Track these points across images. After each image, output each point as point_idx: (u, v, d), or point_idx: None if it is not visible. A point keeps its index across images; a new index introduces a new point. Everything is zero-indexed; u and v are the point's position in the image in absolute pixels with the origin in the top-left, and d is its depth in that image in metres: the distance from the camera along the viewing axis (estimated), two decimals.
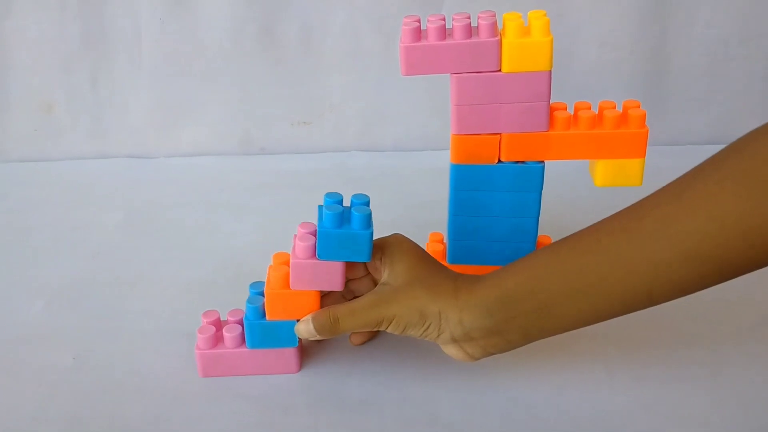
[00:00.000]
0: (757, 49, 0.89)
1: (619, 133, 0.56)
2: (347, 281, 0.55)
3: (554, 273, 0.49)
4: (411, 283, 0.52)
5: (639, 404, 0.54)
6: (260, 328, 0.56)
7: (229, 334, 0.56)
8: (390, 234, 0.56)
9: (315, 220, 0.51)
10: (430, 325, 0.51)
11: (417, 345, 0.60)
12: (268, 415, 0.54)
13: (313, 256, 0.52)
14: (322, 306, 0.55)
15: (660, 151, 0.76)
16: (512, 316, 0.50)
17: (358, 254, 0.52)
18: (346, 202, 0.53)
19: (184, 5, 0.88)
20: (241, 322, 0.57)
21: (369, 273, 0.56)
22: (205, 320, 0.58)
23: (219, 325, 0.58)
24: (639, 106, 0.57)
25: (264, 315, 0.55)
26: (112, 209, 0.83)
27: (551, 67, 0.55)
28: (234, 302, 0.66)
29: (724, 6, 0.87)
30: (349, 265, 0.54)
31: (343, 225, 0.51)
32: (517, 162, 0.58)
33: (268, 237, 0.77)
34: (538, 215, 0.60)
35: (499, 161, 0.58)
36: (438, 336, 0.52)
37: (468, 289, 0.51)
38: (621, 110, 0.57)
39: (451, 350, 0.53)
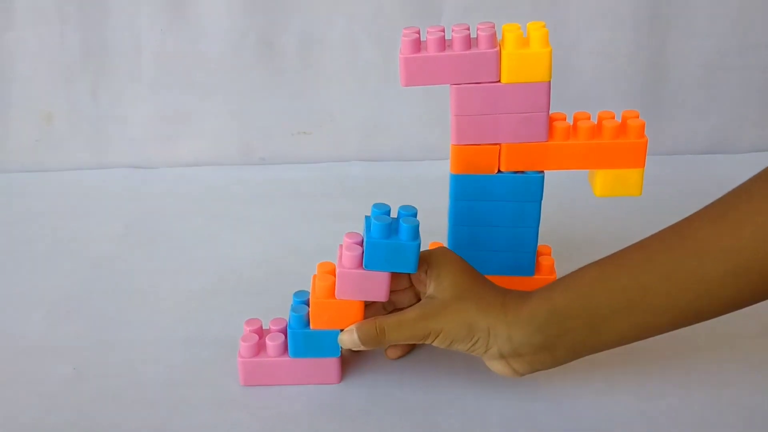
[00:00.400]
0: (754, 59, 0.90)
1: (619, 143, 0.56)
2: (391, 292, 0.55)
3: (602, 290, 0.49)
4: (459, 297, 0.52)
5: (638, 413, 0.54)
6: (304, 337, 0.55)
7: (272, 342, 0.56)
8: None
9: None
10: (478, 340, 0.51)
11: (417, 353, 0.60)
12: (269, 425, 0.54)
13: (360, 266, 0.52)
14: (364, 317, 0.55)
15: (659, 161, 0.76)
16: (562, 332, 0.50)
17: (405, 265, 0.52)
18: (393, 213, 0.53)
19: (184, 17, 0.89)
20: (283, 331, 0.57)
21: (412, 285, 0.56)
22: (247, 328, 0.57)
23: (261, 333, 0.58)
24: (638, 116, 0.57)
25: (308, 324, 0.55)
26: (112, 219, 0.83)
27: (550, 77, 0.55)
28: (234, 312, 0.66)
29: (721, 16, 0.88)
30: (393, 276, 0.53)
31: (391, 236, 0.51)
32: (516, 172, 0.59)
33: (268, 247, 0.77)
34: (538, 225, 0.60)
35: (499, 171, 0.59)
36: (485, 351, 0.52)
37: (517, 305, 0.51)
38: (620, 120, 0.57)
39: (496, 366, 0.53)
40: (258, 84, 0.92)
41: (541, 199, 0.59)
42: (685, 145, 0.93)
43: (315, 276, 0.56)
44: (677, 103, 0.92)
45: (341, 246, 0.54)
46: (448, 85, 0.56)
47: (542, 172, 0.59)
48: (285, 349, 0.57)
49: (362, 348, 0.54)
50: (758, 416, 0.53)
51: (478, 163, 0.58)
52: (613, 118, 0.57)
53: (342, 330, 0.55)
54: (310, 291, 0.56)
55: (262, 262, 0.74)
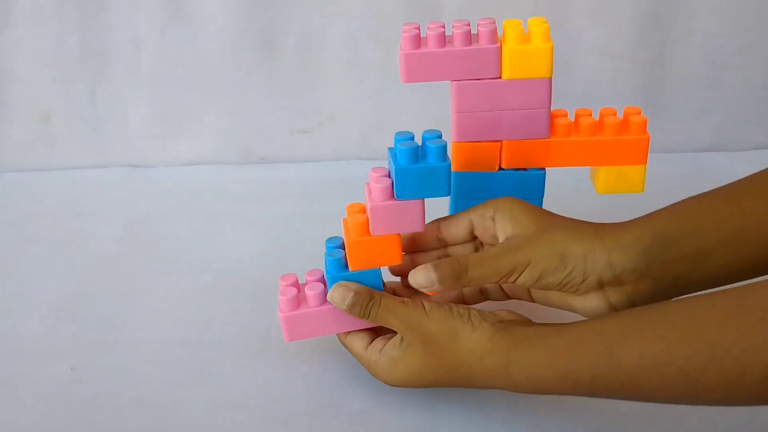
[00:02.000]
0: (755, 58, 0.89)
1: (621, 139, 0.56)
2: (448, 246, 0.54)
3: (710, 219, 0.47)
4: (547, 228, 0.49)
5: (642, 411, 0.53)
6: (343, 281, 0.54)
7: (312, 292, 0.54)
8: None
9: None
10: (573, 269, 0.48)
11: None
12: (268, 427, 0.54)
13: (392, 197, 0.51)
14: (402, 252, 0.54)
15: (660, 159, 0.75)
16: (668, 260, 0.48)
17: (437, 189, 0.50)
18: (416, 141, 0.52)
19: (183, 16, 0.88)
20: (321, 280, 0.55)
21: (474, 238, 0.54)
22: (283, 283, 0.56)
23: (298, 287, 0.56)
24: (640, 113, 0.57)
25: (346, 267, 0.54)
26: (111, 219, 0.83)
27: (551, 73, 0.54)
28: (233, 312, 0.65)
29: (722, 15, 0.87)
30: (450, 224, 0.52)
31: (419, 161, 0.50)
32: (518, 169, 0.58)
33: (269, 246, 0.76)
34: None
35: (500, 168, 0.58)
36: (583, 281, 0.48)
37: (614, 231, 0.49)
38: (622, 117, 0.57)
39: (591, 301, 0.50)
40: (257, 83, 0.91)
41: (543, 196, 0.59)
42: (687, 143, 0.93)
43: (345, 219, 0.54)
44: (678, 101, 0.91)
45: (367, 184, 0.52)
46: (449, 81, 0.55)
47: (544, 169, 0.58)
48: (325, 298, 0.55)
49: (436, 288, 0.50)
50: (762, 413, 0.52)
51: (479, 161, 0.58)
52: (615, 114, 0.57)
53: (412, 270, 0.51)
54: (343, 234, 0.54)
55: (261, 262, 0.73)
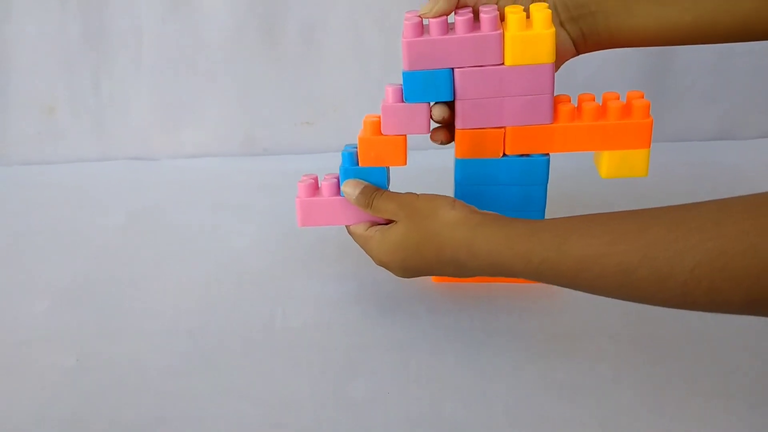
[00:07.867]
0: (762, 45, 0.88)
1: (624, 123, 0.56)
2: None
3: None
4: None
5: (645, 402, 0.53)
6: (354, 174, 0.60)
7: (326, 183, 0.61)
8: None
9: None
10: None
11: (421, 341, 0.59)
12: (271, 414, 0.53)
13: (401, 100, 0.57)
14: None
15: (667, 147, 0.75)
16: None
17: (441, 93, 0.56)
18: None
19: (185, 5, 0.88)
20: (336, 178, 0.61)
21: None
22: (305, 177, 0.62)
23: (317, 182, 0.63)
24: (642, 97, 0.56)
25: (357, 162, 0.60)
26: (115, 211, 0.83)
27: (554, 59, 0.54)
28: (237, 302, 0.65)
29: None
30: None
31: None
32: (522, 155, 0.58)
33: (272, 237, 0.76)
34: (544, 208, 0.60)
35: (504, 155, 0.58)
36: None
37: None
38: (625, 101, 0.56)
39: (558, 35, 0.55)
40: (260, 73, 0.91)
41: (547, 182, 0.59)
42: (693, 131, 0.92)
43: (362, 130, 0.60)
44: (684, 89, 0.91)
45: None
46: (452, 68, 0.55)
47: (548, 154, 0.58)
48: (338, 189, 0.61)
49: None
50: (766, 404, 0.52)
51: (482, 147, 0.58)
52: (618, 98, 0.57)
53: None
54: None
55: (265, 253, 0.73)
